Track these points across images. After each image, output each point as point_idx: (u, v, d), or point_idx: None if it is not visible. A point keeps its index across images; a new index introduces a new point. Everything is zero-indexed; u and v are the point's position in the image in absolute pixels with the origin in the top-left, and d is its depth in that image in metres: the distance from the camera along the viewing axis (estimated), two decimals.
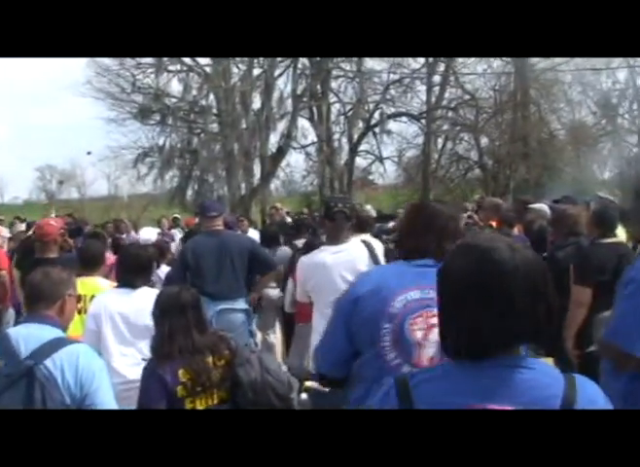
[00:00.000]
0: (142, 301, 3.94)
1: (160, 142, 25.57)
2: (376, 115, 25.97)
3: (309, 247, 5.76)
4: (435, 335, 2.44)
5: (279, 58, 23.79)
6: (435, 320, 2.43)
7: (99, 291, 4.40)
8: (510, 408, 1.49)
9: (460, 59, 25.04)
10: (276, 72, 24.82)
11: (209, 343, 3.35)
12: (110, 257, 5.87)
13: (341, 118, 26.53)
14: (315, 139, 25.80)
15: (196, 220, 10.10)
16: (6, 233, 12.82)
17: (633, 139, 27.19)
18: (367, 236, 5.15)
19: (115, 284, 4.51)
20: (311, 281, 4.47)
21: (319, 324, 3.87)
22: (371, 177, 29.37)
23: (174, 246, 9.88)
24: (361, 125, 26.31)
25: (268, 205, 19.72)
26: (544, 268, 1.60)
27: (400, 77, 25.85)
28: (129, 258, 4.30)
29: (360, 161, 27.38)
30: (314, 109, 25.51)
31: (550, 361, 1.81)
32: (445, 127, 26.83)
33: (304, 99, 25.21)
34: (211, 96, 25.27)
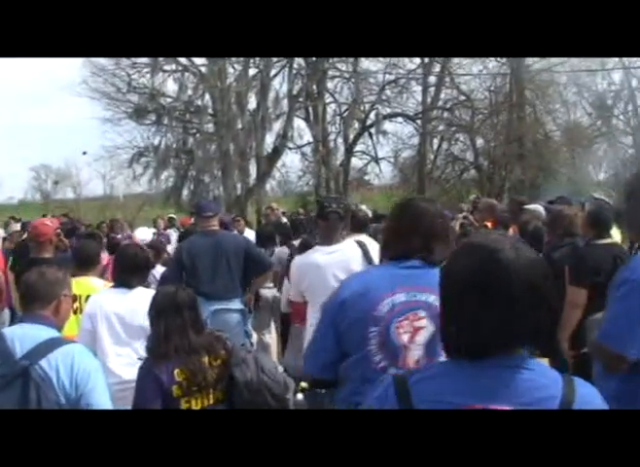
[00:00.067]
0: (138, 301, 3.94)
1: (156, 142, 25.62)
2: (372, 115, 26.04)
3: (305, 247, 5.76)
4: (421, 337, 2.45)
5: (275, 59, 23.80)
6: (421, 323, 2.45)
7: (95, 291, 4.39)
8: (508, 408, 1.50)
9: (456, 60, 25.10)
10: (272, 72, 24.83)
11: (205, 343, 3.35)
12: (105, 257, 5.86)
13: (337, 118, 26.60)
14: (311, 139, 25.82)
15: (192, 220, 10.10)
16: (1, 233, 12.80)
17: (628, 140, 27.26)
18: (363, 237, 5.15)
19: (110, 284, 4.51)
20: (305, 281, 4.48)
21: (313, 324, 3.88)
22: (366, 177, 29.43)
23: (171, 248, 9.86)
24: (357, 125, 26.35)
25: (264, 205, 19.69)
26: (547, 270, 1.61)
27: (395, 77, 25.90)
28: (126, 258, 4.30)
29: (356, 162, 27.48)
30: (310, 109, 25.53)
31: (545, 361, 1.81)
32: (441, 128, 26.90)
33: (300, 99, 25.23)
34: (207, 96, 25.29)
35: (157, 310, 3.38)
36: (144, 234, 9.71)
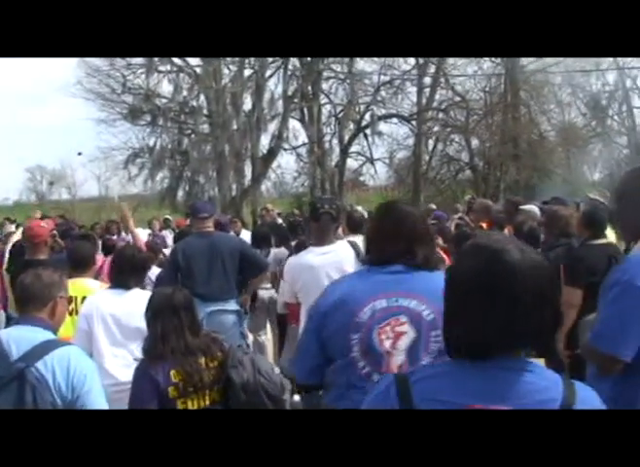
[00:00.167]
0: (134, 302, 3.93)
1: (151, 143, 25.59)
2: (367, 116, 26.03)
3: (300, 248, 5.76)
4: (403, 343, 2.45)
5: (270, 59, 23.80)
6: (402, 328, 2.45)
7: (90, 292, 4.39)
8: (509, 409, 1.50)
9: (450, 61, 25.15)
10: (267, 73, 24.85)
11: (202, 345, 3.35)
12: (99, 258, 5.85)
13: (332, 119, 26.61)
14: (306, 140, 25.81)
15: (187, 221, 10.08)
16: None
17: (623, 140, 27.38)
18: (359, 238, 5.16)
19: (105, 285, 4.50)
20: (299, 282, 4.47)
21: None
22: (361, 178, 29.42)
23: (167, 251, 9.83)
24: (352, 126, 26.36)
25: (259, 206, 19.70)
26: (552, 272, 1.62)
27: (390, 78, 25.92)
28: (124, 259, 4.30)
29: (351, 163, 27.47)
30: (305, 110, 25.53)
31: (541, 362, 1.81)
32: (436, 129, 26.92)
33: (295, 100, 25.23)
34: (202, 97, 25.27)
35: (153, 311, 3.38)
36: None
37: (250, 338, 6.65)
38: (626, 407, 2.41)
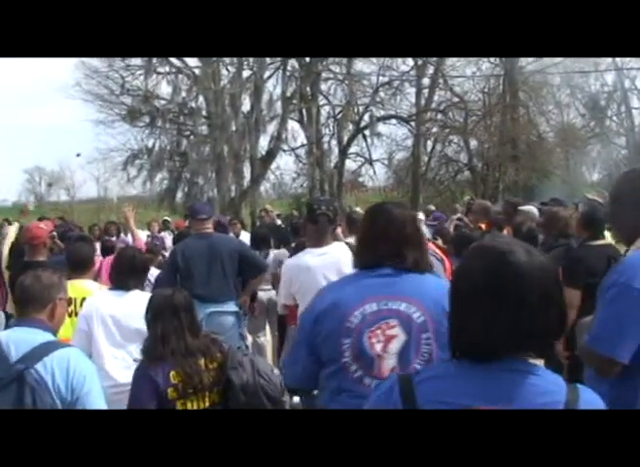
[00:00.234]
0: (134, 304, 3.93)
1: (150, 144, 25.57)
2: (366, 117, 26.04)
3: (299, 249, 5.75)
4: (394, 346, 2.45)
5: (269, 60, 23.81)
6: (393, 331, 2.44)
7: (90, 293, 4.38)
8: None
9: (449, 62, 25.17)
10: (266, 74, 24.84)
11: (202, 346, 3.35)
12: (97, 260, 5.84)
13: (331, 120, 26.61)
14: (305, 141, 25.82)
15: (186, 222, 10.08)
16: None
17: (621, 141, 27.41)
18: None
19: (104, 286, 4.50)
20: (296, 284, 4.47)
21: None
22: (360, 179, 29.43)
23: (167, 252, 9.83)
24: (350, 127, 26.36)
25: (258, 208, 19.71)
26: (557, 273, 1.62)
27: (389, 79, 25.94)
28: (124, 260, 4.30)
29: (350, 164, 27.48)
30: (304, 111, 25.53)
31: (540, 362, 1.81)
32: (435, 130, 26.93)
33: (294, 102, 25.23)
34: (200, 98, 25.27)
35: (153, 313, 3.38)
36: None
37: (249, 339, 6.65)
38: (625, 408, 2.41)
